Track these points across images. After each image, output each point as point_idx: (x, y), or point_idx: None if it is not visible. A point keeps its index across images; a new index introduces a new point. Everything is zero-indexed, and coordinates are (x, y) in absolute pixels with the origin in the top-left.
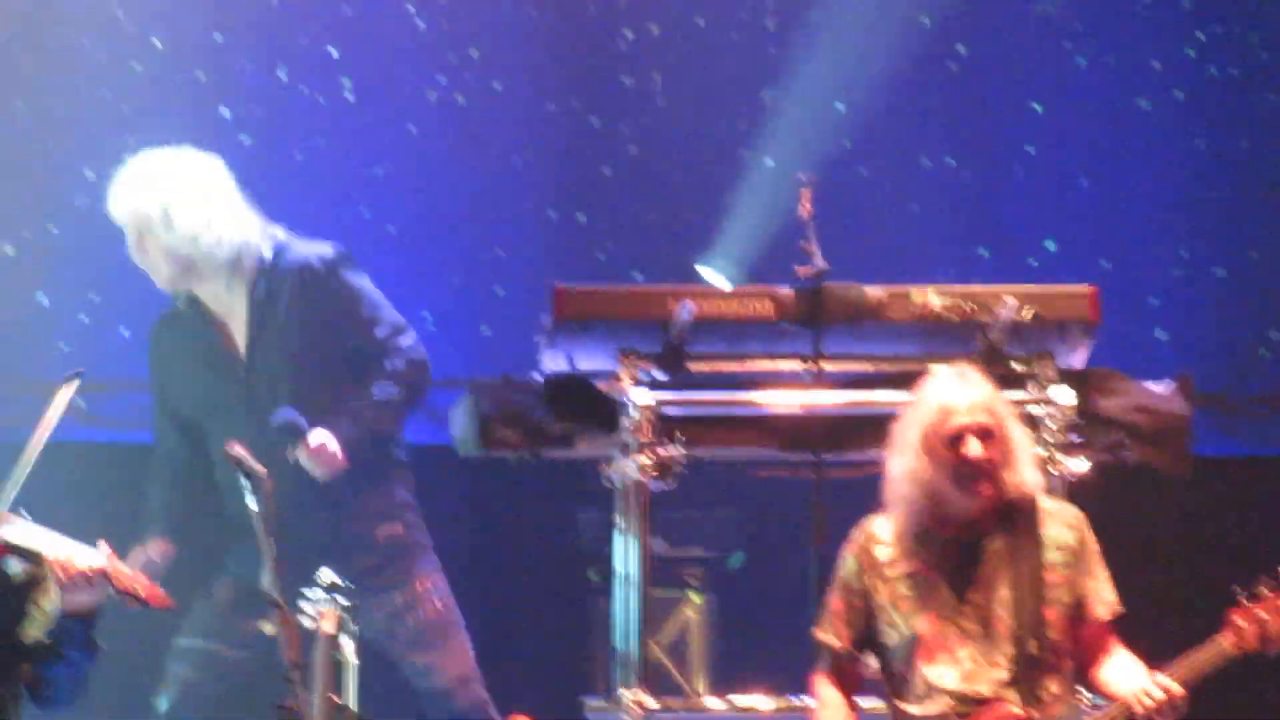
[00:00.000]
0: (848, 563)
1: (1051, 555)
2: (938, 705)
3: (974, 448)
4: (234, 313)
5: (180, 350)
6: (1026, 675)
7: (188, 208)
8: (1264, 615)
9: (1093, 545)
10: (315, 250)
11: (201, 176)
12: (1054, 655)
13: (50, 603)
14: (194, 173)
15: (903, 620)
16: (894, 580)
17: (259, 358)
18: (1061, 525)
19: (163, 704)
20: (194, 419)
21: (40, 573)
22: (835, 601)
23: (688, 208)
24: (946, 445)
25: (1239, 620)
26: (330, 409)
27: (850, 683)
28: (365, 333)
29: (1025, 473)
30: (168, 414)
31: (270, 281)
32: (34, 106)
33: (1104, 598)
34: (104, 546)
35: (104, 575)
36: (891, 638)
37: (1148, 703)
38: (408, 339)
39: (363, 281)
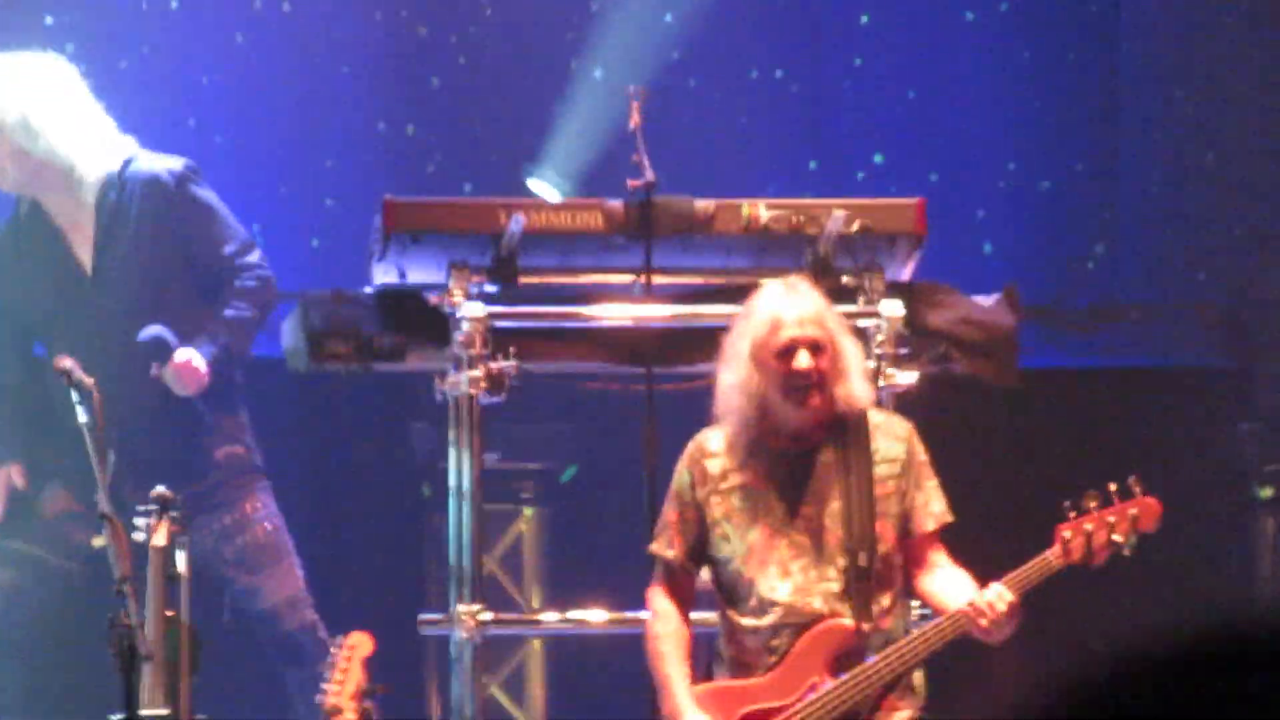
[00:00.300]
0: (681, 475)
1: (881, 468)
2: (770, 617)
3: (803, 360)
4: (79, 224)
5: (21, 260)
6: (858, 588)
7: (45, 112)
8: (1089, 528)
9: (921, 456)
10: (164, 164)
11: (57, 81)
12: (885, 568)
13: None
14: (50, 76)
15: (735, 533)
16: (726, 492)
17: (105, 270)
18: (891, 438)
19: None
20: (33, 330)
21: None
22: (669, 513)
23: (518, 119)
24: (776, 357)
25: (1065, 534)
26: (178, 324)
27: (684, 595)
28: (214, 249)
29: (856, 386)
30: (4, 325)
31: (118, 193)
32: None
33: (931, 510)
34: None
35: None
36: (724, 550)
37: (984, 610)
38: (255, 255)
39: (211, 197)
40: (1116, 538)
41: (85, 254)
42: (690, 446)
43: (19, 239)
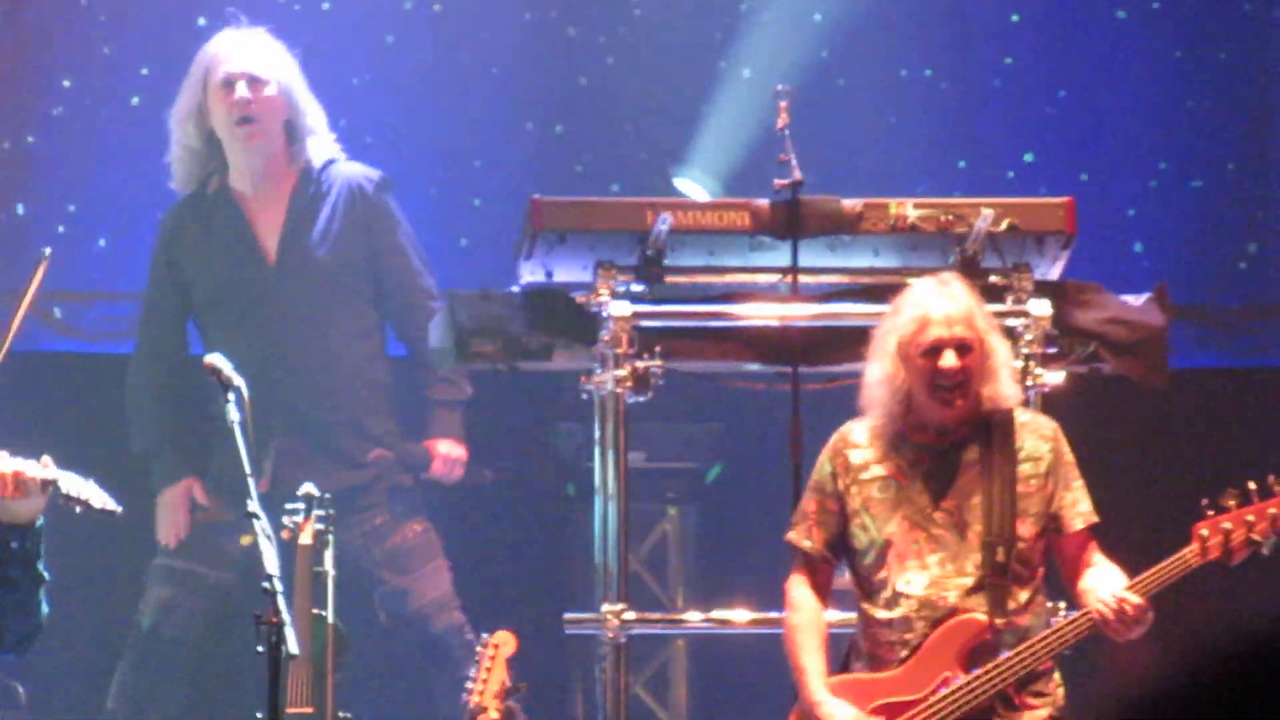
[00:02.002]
0: (823, 466)
1: (1025, 467)
2: (904, 610)
3: (949, 359)
4: (269, 210)
5: (201, 233)
6: (994, 583)
7: (299, 84)
8: (1228, 526)
9: (1067, 456)
10: (365, 171)
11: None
12: (1023, 565)
13: None
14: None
15: (874, 524)
16: (867, 484)
17: (288, 261)
18: (1036, 437)
19: (144, 624)
20: (201, 304)
21: None
22: (809, 504)
23: (665, 119)
24: (922, 355)
25: (1203, 531)
26: (348, 326)
27: (822, 586)
28: (403, 267)
29: (1002, 386)
30: (171, 297)
31: (316, 188)
32: (10, 16)
33: (1079, 509)
34: (47, 460)
35: (51, 484)
36: (862, 541)
37: (1108, 614)
38: (432, 283)
39: (400, 212)
40: (1255, 537)
41: (271, 241)
42: (834, 438)
43: (200, 213)
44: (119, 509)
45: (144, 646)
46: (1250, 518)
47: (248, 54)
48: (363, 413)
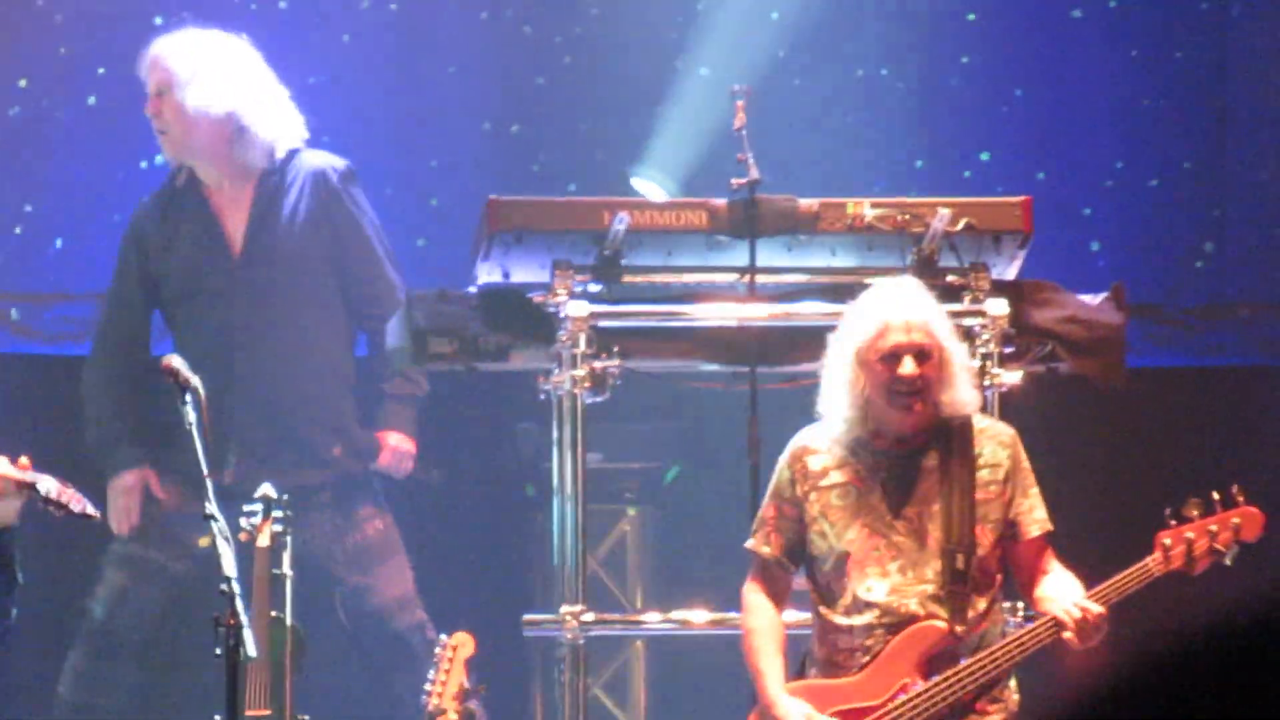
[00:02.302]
0: (781, 472)
1: (984, 474)
2: (865, 617)
3: (908, 366)
4: (236, 201)
5: (169, 225)
6: (953, 590)
7: (224, 76)
8: (1191, 536)
9: (1025, 463)
10: (330, 161)
11: (241, 53)
12: (982, 573)
13: None
14: (233, 48)
15: (833, 531)
16: (826, 490)
17: (254, 252)
18: (995, 444)
19: (97, 610)
20: (169, 299)
21: None
22: (767, 510)
23: (622, 118)
24: (881, 361)
25: (1166, 541)
26: (315, 317)
27: (779, 592)
28: (362, 251)
29: (961, 392)
30: (137, 290)
31: (281, 178)
32: None
33: (1035, 516)
34: (25, 461)
35: (29, 487)
36: (821, 548)
37: (1070, 623)
38: (397, 275)
39: (365, 203)
40: (1218, 546)
41: (237, 232)
42: (792, 443)
43: (169, 207)
44: (98, 514)
45: (97, 633)
46: (1213, 527)
47: (152, 65)
48: (327, 407)
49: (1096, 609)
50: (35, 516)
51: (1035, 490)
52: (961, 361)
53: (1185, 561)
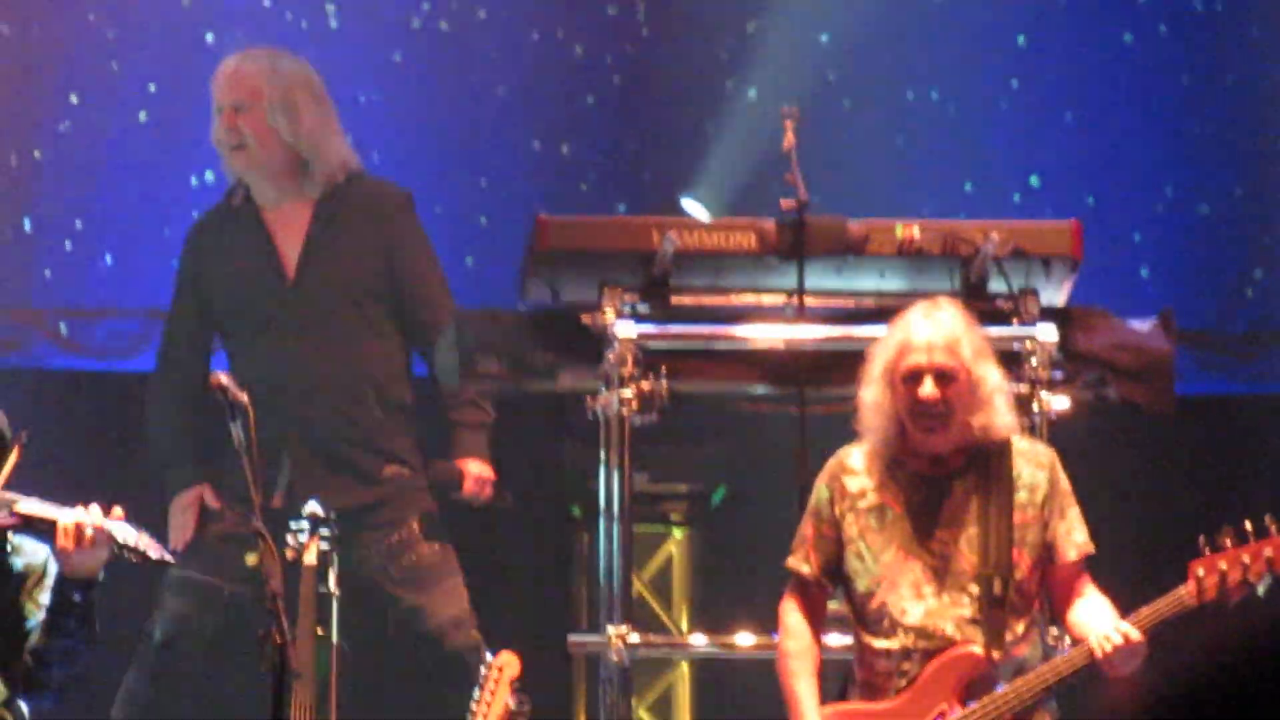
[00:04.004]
0: (820, 491)
1: (1022, 495)
2: (901, 640)
3: (927, 388)
4: (292, 225)
5: (224, 246)
6: (991, 615)
7: (303, 101)
8: (1224, 566)
9: (1064, 485)
10: (387, 188)
11: (313, 79)
12: (1020, 596)
13: (44, 594)
14: (307, 73)
15: (870, 553)
16: (863, 511)
17: (308, 277)
18: (1033, 466)
19: (156, 635)
20: (221, 318)
21: (36, 565)
22: (806, 529)
23: (672, 139)
24: (904, 382)
25: (1200, 570)
26: (368, 344)
27: (816, 612)
28: (423, 278)
29: (996, 416)
30: (194, 312)
31: (339, 204)
32: (18, 30)
33: (1074, 539)
34: (119, 512)
35: (109, 536)
36: (858, 569)
37: (1107, 648)
38: (451, 302)
39: (422, 230)
40: (1250, 578)
41: (291, 256)
42: (831, 462)
43: (224, 227)
44: (173, 560)
45: (155, 658)
46: (1246, 558)
47: (234, 81)
48: (379, 430)
49: (1134, 636)
50: None
51: (1075, 512)
52: (993, 383)
53: (1218, 592)
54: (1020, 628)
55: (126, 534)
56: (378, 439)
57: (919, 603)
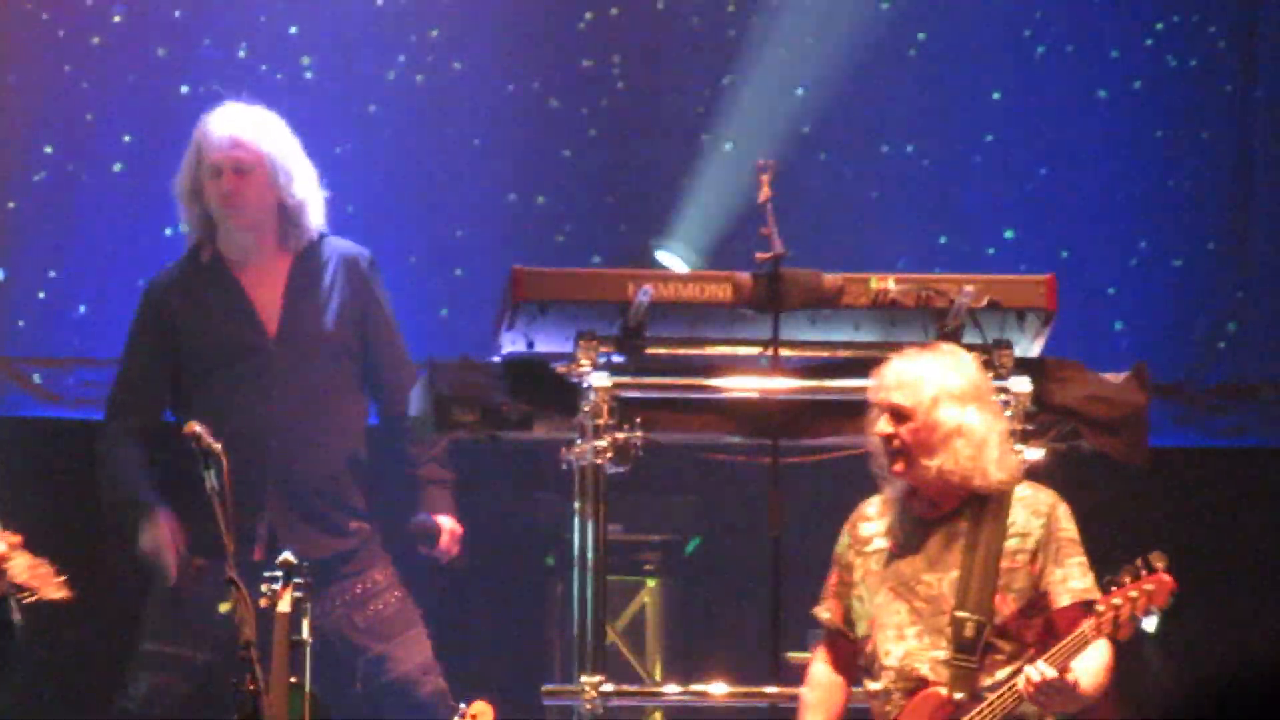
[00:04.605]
0: (841, 538)
1: (1012, 542)
2: (885, 681)
3: (881, 425)
4: (266, 281)
5: (194, 301)
6: (959, 658)
7: (297, 160)
8: (1118, 603)
9: (1063, 533)
10: (357, 248)
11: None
12: (1006, 641)
13: None
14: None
15: (867, 595)
16: (870, 556)
17: (291, 332)
18: (1029, 512)
19: (132, 708)
20: (195, 374)
21: None
22: (830, 577)
23: (647, 191)
24: (872, 421)
25: (1100, 607)
26: (342, 400)
27: (842, 660)
28: (389, 338)
29: (953, 460)
30: (156, 365)
31: (314, 262)
32: None
33: (1069, 585)
34: (15, 540)
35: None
36: (857, 612)
37: (1029, 687)
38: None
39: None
40: (1136, 614)
41: (271, 312)
42: (854, 511)
43: (193, 284)
44: (68, 595)
45: None
46: (1134, 594)
47: (235, 139)
48: (348, 485)
49: (1048, 673)
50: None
51: (1075, 560)
52: (954, 429)
53: (1112, 627)
54: (1002, 673)
55: (19, 568)
56: (346, 493)
57: (900, 644)
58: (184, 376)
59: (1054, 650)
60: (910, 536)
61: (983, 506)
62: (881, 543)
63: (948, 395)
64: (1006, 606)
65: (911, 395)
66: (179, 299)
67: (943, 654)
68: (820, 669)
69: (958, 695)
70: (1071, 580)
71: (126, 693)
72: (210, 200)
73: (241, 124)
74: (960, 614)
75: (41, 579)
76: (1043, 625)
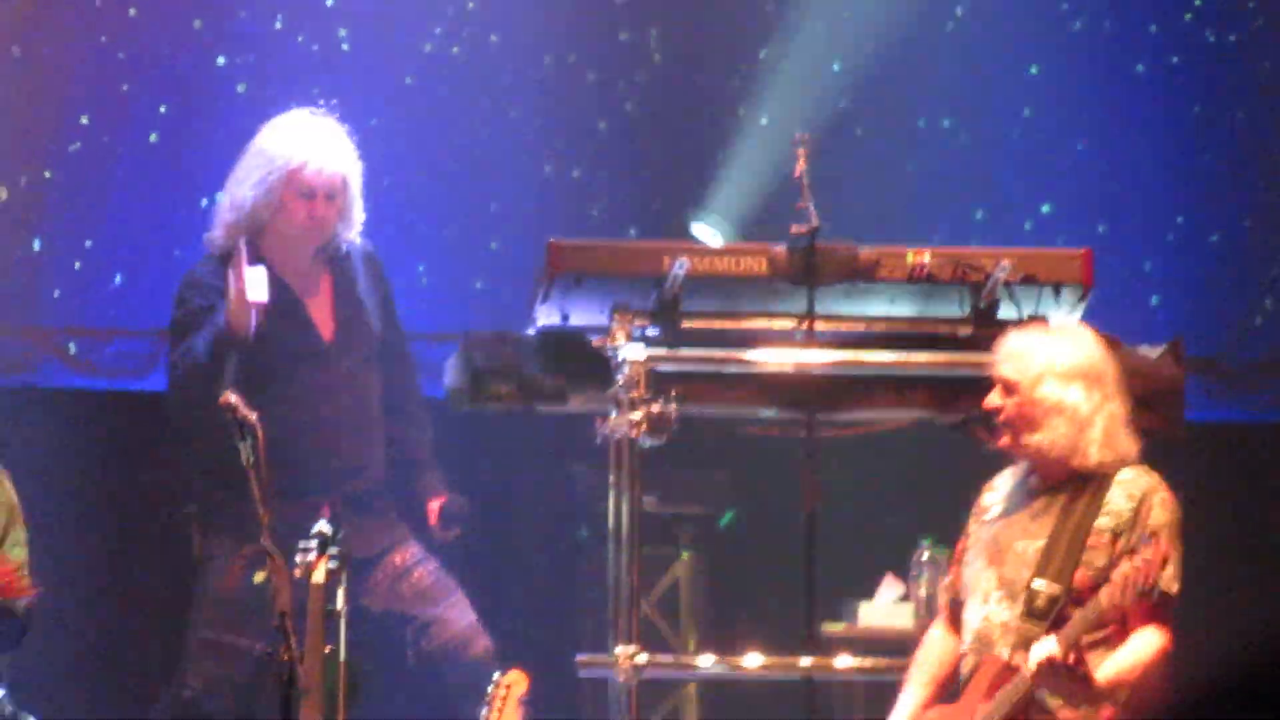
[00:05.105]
0: (972, 509)
1: (1102, 520)
2: (966, 644)
3: (990, 397)
4: (312, 284)
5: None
6: (1030, 624)
7: (359, 177)
8: (1126, 570)
9: (1154, 520)
10: (366, 243)
11: None
12: (1065, 615)
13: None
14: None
15: (970, 560)
16: (984, 525)
17: (341, 335)
18: (1124, 495)
19: (187, 694)
20: (258, 380)
21: None
22: (958, 545)
23: (683, 164)
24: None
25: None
26: (376, 384)
27: (958, 625)
28: (403, 338)
29: (1052, 438)
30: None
31: (349, 265)
32: (30, 52)
33: (1141, 575)
34: None
35: None
36: (964, 577)
37: (1031, 666)
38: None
39: None
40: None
41: (324, 317)
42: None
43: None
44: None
45: (181, 715)
46: (1139, 562)
47: (328, 162)
48: (386, 475)
49: (1052, 650)
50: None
51: (1156, 550)
52: (1055, 406)
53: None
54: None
55: None
56: (384, 483)
57: (983, 608)
58: (241, 377)
59: (1065, 631)
60: (1016, 506)
61: (1085, 484)
62: (995, 511)
63: (1053, 372)
64: (1085, 582)
65: (1018, 369)
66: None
67: (1012, 621)
68: (935, 633)
69: (1017, 661)
70: (1150, 570)
71: (183, 678)
72: (291, 218)
73: (332, 145)
74: (1037, 582)
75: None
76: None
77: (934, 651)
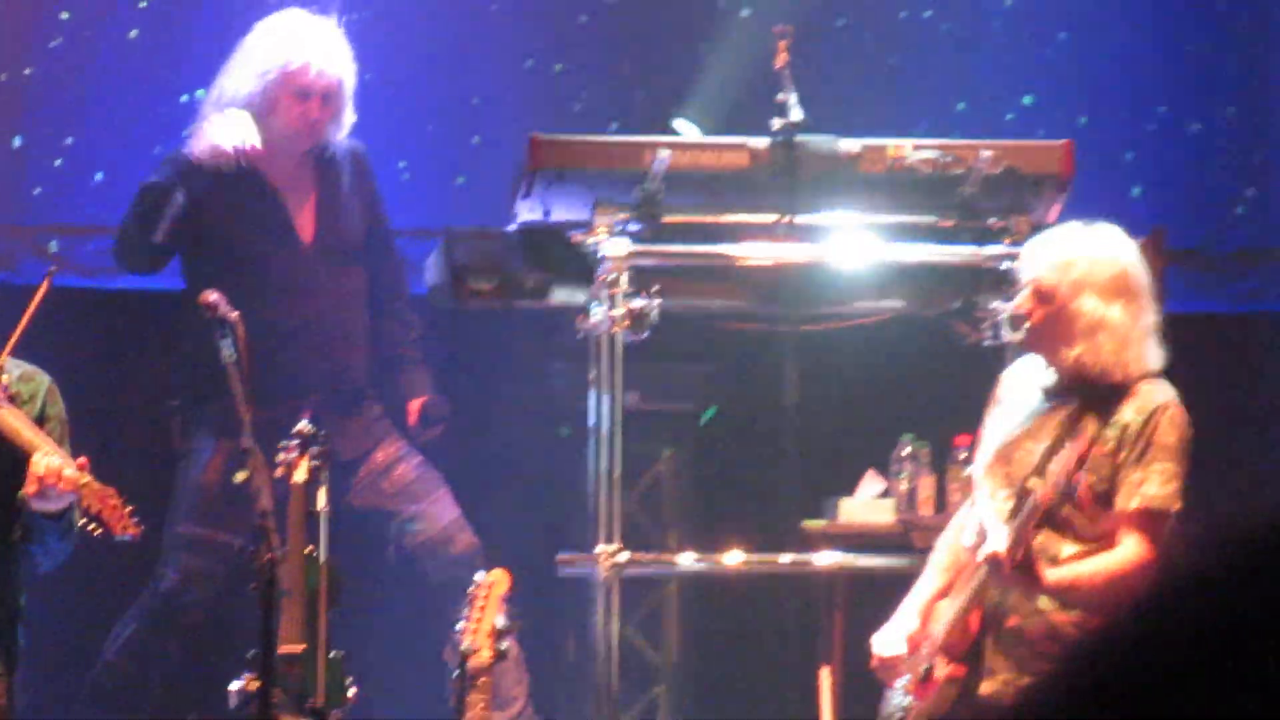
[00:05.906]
0: (990, 396)
1: (1110, 430)
2: (969, 537)
3: (1020, 300)
4: (297, 185)
5: (231, 204)
6: (1017, 521)
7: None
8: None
9: (1160, 438)
10: (357, 144)
11: None
12: (1071, 518)
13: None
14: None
15: (981, 454)
16: (996, 418)
17: (322, 236)
18: (1134, 408)
19: (164, 587)
20: (226, 272)
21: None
22: (978, 433)
23: (665, 58)
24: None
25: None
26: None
27: None
28: (389, 234)
29: (1094, 353)
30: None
31: (333, 164)
32: None
33: (1143, 490)
34: (83, 462)
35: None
36: (976, 470)
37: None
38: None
39: None
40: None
41: (304, 218)
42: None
43: (227, 194)
44: (138, 532)
45: (160, 606)
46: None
47: (326, 63)
48: (368, 374)
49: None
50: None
51: (1161, 466)
52: (1098, 321)
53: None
54: (1069, 549)
55: (93, 495)
56: (367, 382)
57: (990, 502)
58: (217, 273)
59: (1015, 522)
60: (1030, 403)
61: (1099, 391)
62: (1010, 404)
63: (1094, 284)
64: (1084, 491)
65: (1055, 276)
66: (213, 195)
67: (1005, 518)
68: (958, 519)
69: (1001, 554)
70: (1147, 485)
71: (162, 572)
72: (284, 119)
73: (328, 45)
74: (1033, 482)
75: (112, 513)
76: (1112, 523)
77: (954, 538)
